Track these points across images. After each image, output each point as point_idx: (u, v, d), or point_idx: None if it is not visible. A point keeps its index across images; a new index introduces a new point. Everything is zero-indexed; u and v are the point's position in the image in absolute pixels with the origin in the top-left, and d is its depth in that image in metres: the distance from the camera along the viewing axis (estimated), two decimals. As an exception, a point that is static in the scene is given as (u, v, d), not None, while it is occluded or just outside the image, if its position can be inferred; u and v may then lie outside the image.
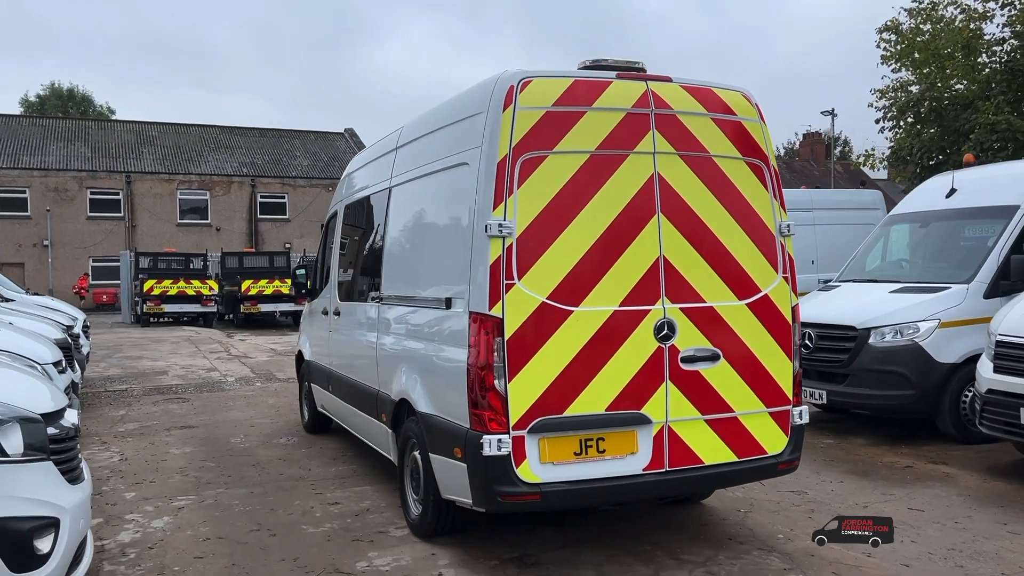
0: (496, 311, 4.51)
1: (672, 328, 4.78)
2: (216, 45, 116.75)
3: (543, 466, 4.57)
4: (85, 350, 12.29)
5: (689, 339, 4.83)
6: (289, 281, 27.16)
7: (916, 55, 19.36)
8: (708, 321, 4.88)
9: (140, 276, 27.85)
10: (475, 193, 4.66)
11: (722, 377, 4.90)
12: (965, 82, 18.82)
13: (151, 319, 27.60)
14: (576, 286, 4.65)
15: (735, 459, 4.95)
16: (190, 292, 27.30)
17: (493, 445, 4.46)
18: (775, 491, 6.37)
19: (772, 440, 5.06)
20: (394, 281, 6.09)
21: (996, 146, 15.99)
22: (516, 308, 4.53)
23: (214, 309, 27.98)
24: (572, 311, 4.63)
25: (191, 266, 30.01)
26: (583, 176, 4.69)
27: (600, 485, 4.66)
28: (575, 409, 4.62)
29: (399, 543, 5.45)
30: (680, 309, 4.82)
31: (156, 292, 26.93)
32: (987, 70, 18.60)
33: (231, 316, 28.63)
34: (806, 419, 5.19)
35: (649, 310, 4.76)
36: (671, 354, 4.78)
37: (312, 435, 8.99)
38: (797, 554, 5.11)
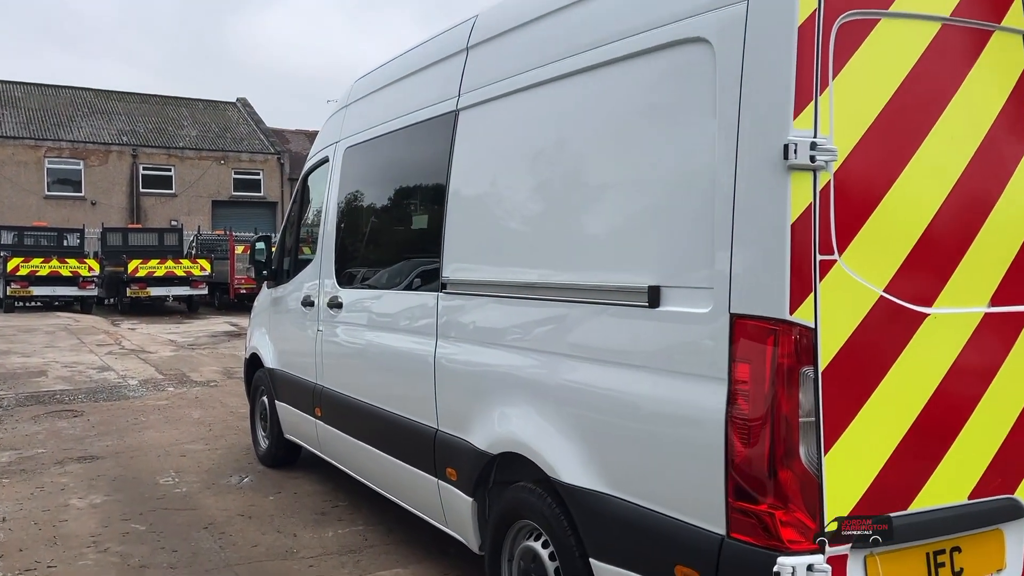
0: (803, 315, 2.33)
1: None
2: (82, 4, 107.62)
3: None
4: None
5: (1074, 364, 2.79)
6: (185, 262, 24.01)
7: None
8: None
9: (2, 253, 23.82)
10: (737, 89, 2.45)
11: None
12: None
13: (16, 303, 23.69)
14: (928, 266, 2.53)
15: None
16: (65, 272, 23.49)
17: None
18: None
19: None
20: (476, 259, 3.80)
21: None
22: (839, 308, 2.37)
23: (94, 292, 24.29)
24: (926, 314, 2.50)
25: (65, 243, 26.04)
26: (933, 61, 2.56)
27: None
28: (927, 498, 2.51)
29: None
30: (1066, 312, 2.77)
31: (23, 272, 22.99)
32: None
33: (114, 300, 25.05)
34: None
35: (1027, 312, 2.69)
36: (1052, 391, 2.73)
37: (274, 470, 6.53)
38: None
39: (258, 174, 42.10)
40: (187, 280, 23.87)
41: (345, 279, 5.15)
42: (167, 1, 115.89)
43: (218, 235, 29.66)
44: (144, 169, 39.44)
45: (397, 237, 4.78)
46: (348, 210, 5.27)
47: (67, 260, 23.70)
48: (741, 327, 2.41)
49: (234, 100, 47.47)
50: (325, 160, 5.66)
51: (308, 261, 5.79)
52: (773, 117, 2.37)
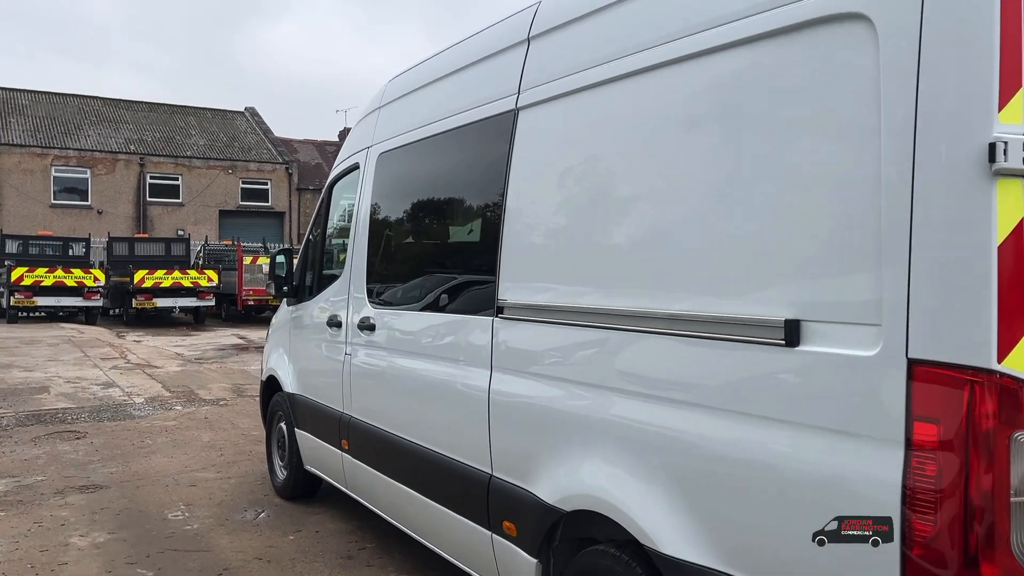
0: (1015, 364, 1.81)
1: None
2: (89, 14, 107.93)
3: None
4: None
5: None
6: (192, 272, 23.56)
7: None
8: None
9: (7, 263, 23.39)
10: (912, 75, 1.95)
11: None
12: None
13: (20, 314, 23.24)
14: None
15: None
16: (70, 283, 23.05)
17: None
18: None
19: None
20: (542, 279, 3.28)
21: None
22: None
23: (99, 303, 23.84)
24: None
25: (71, 252, 25.64)
26: None
27: None
28: None
29: None
30: None
31: (27, 282, 22.54)
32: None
33: (119, 311, 24.61)
34: None
35: None
36: None
37: (293, 503, 6.00)
38: None
39: (266, 184, 41.75)
40: (194, 291, 23.45)
41: (378, 298, 4.64)
42: (176, 12, 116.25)
43: (226, 245, 29.24)
44: (151, 178, 39.11)
45: (440, 252, 4.27)
46: (381, 221, 4.76)
47: (72, 270, 23.25)
48: (925, 376, 1.89)
49: (242, 109, 47.19)
50: (355, 167, 5.16)
51: (334, 277, 5.29)
52: (969, 109, 1.86)
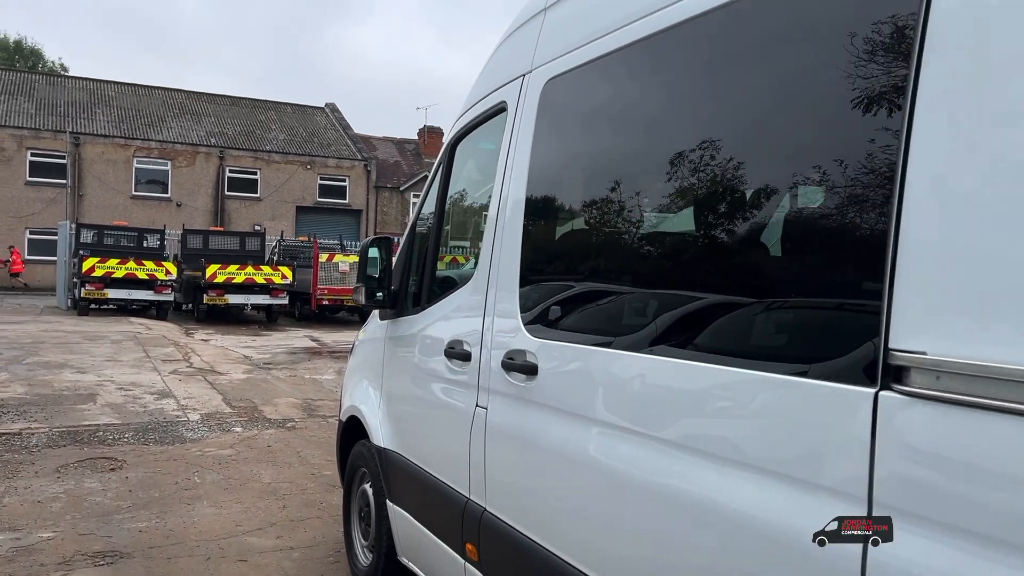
0: None
1: None
2: (181, 15, 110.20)
3: None
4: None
5: None
6: (266, 268, 22.22)
7: None
8: None
9: (80, 253, 22.45)
10: None
11: None
12: None
13: (91, 305, 22.31)
14: None
15: None
16: (141, 275, 21.97)
17: None
18: None
19: None
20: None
21: None
22: None
23: (170, 298, 22.73)
24: None
25: (145, 244, 24.55)
26: None
27: None
28: None
29: None
30: None
31: (98, 273, 21.56)
32: None
33: (190, 306, 23.48)
34: None
35: None
36: None
37: (378, 605, 4.17)
38: None
39: (344, 180, 40.70)
40: (267, 288, 22.13)
41: (544, 319, 2.73)
42: (262, 15, 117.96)
43: (301, 241, 27.98)
44: (230, 172, 38.45)
45: (696, 245, 2.33)
46: (554, 192, 2.86)
47: (144, 262, 22.17)
48: None
49: (323, 105, 46.31)
50: (498, 109, 3.26)
51: (458, 281, 3.42)
52: None
